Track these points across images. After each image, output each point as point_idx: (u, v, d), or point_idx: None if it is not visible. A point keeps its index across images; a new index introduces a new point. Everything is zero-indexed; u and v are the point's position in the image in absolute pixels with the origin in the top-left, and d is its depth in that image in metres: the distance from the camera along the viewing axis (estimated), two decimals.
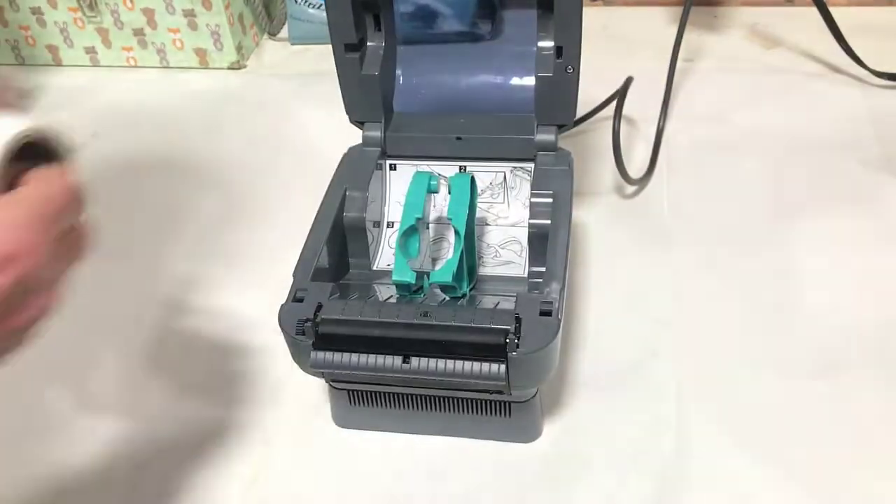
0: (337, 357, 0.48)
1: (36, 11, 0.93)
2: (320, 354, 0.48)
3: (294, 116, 0.87)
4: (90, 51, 0.96)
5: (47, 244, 0.33)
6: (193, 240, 0.73)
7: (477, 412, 0.53)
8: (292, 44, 0.97)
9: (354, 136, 0.62)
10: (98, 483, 0.55)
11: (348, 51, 0.58)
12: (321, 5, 0.93)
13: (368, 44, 0.60)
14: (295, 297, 0.50)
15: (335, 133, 0.82)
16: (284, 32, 0.99)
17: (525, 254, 0.58)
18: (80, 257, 0.38)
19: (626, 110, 0.71)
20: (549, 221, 0.54)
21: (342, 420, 0.56)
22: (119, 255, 0.72)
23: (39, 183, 0.34)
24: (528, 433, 0.54)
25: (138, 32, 0.93)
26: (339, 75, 0.59)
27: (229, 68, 0.94)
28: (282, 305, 0.50)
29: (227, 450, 0.56)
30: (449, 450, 0.54)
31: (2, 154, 0.32)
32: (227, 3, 0.89)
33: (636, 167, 0.73)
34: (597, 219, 0.70)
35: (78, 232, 0.37)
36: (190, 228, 0.74)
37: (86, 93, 0.94)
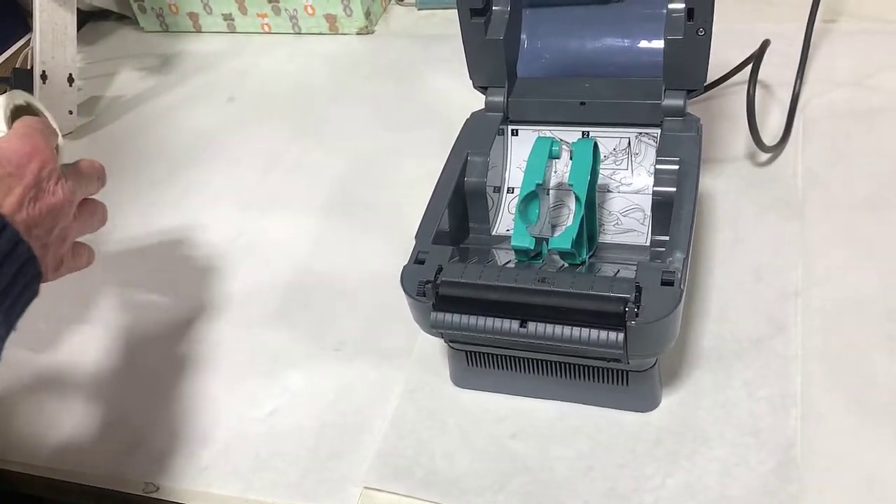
0: (455, 318, 0.49)
1: None
2: (440, 315, 0.49)
3: (420, 80, 0.88)
4: (227, 18, 1.00)
5: (49, 148, 0.47)
6: (322, 200, 0.76)
7: (594, 379, 0.52)
8: (419, 9, 0.98)
9: (479, 99, 0.62)
10: (235, 434, 0.58)
11: (474, 15, 0.58)
12: None
13: (494, 8, 0.59)
14: (416, 259, 0.52)
15: (460, 97, 0.83)
16: None
17: (648, 222, 0.57)
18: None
19: (760, 74, 0.68)
20: (674, 189, 0.53)
21: (459, 380, 0.57)
22: (248, 213, 0.76)
23: (28, 120, 0.49)
24: (645, 402, 0.54)
25: (273, 0, 0.96)
26: (463, 40, 0.59)
27: (358, 33, 0.96)
28: (404, 267, 0.51)
29: (350, 403, 0.58)
30: (564, 415, 0.55)
31: (4, 104, 0.50)
32: None
33: (769, 134, 0.70)
34: (725, 187, 0.68)
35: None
36: (319, 188, 0.77)
37: (223, 58, 0.98)
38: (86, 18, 1.09)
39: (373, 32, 0.97)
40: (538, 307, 0.47)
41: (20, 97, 0.53)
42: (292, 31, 0.98)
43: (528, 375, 0.54)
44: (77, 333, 0.67)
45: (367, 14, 0.95)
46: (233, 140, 0.85)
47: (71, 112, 0.89)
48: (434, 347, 0.60)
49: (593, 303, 0.46)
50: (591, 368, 0.52)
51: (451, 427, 0.55)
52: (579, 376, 0.53)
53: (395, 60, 0.92)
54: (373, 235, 0.71)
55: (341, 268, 0.69)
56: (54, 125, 0.52)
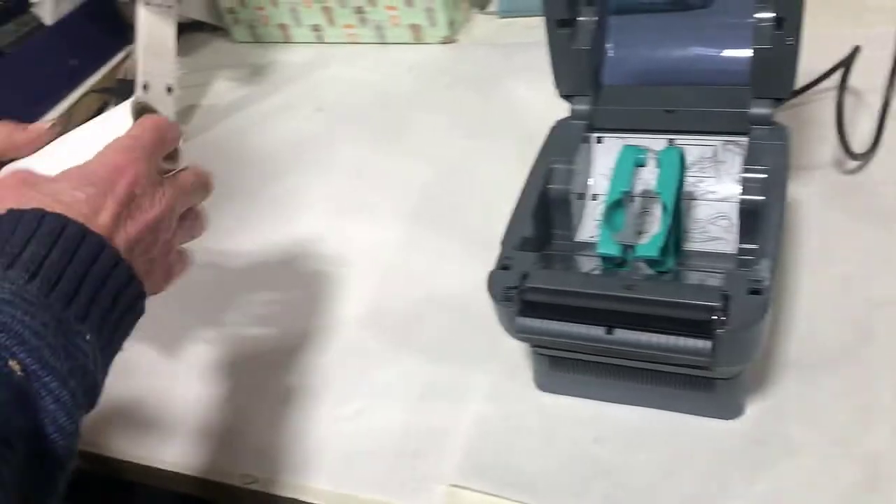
0: (541, 324, 0.50)
1: None
2: (525, 321, 0.50)
3: (501, 88, 0.89)
4: (316, 28, 1.03)
5: (147, 161, 0.46)
6: (408, 207, 0.78)
7: (678, 385, 0.53)
8: (501, 17, 1.00)
9: (561, 107, 0.63)
10: (327, 431, 0.61)
11: (560, 26, 0.59)
12: None
13: (580, 19, 0.60)
14: (502, 265, 0.53)
15: (541, 104, 0.84)
16: (492, 6, 1.02)
17: (734, 230, 0.57)
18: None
19: (849, 79, 0.68)
20: (762, 198, 0.53)
21: (543, 384, 0.58)
22: (338, 219, 0.78)
23: (147, 119, 0.49)
24: (730, 410, 0.54)
25: (359, 10, 0.99)
26: (549, 50, 0.61)
27: (441, 43, 0.98)
28: (490, 272, 0.53)
29: (435, 403, 0.60)
30: (646, 421, 0.55)
31: (129, 113, 0.50)
32: None
33: (858, 141, 0.69)
34: (812, 195, 0.67)
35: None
36: (405, 195, 0.79)
37: (311, 68, 1.01)
38: (181, 30, 1.14)
39: (455, 41, 0.99)
40: (625, 314, 0.48)
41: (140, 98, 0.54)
42: (377, 41, 1.01)
43: (612, 381, 0.55)
44: (175, 335, 0.71)
45: (451, 23, 0.97)
46: (322, 148, 0.88)
47: None
48: (517, 351, 0.61)
49: (681, 311, 0.47)
50: (675, 375, 0.52)
51: (534, 429, 0.57)
52: (664, 382, 0.53)
53: (478, 69, 0.94)
54: (457, 241, 0.73)
55: (427, 272, 0.71)
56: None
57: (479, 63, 0.94)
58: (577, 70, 0.61)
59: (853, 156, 0.67)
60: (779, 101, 0.57)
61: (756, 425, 0.53)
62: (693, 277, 0.53)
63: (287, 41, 1.07)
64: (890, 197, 0.65)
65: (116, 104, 1.00)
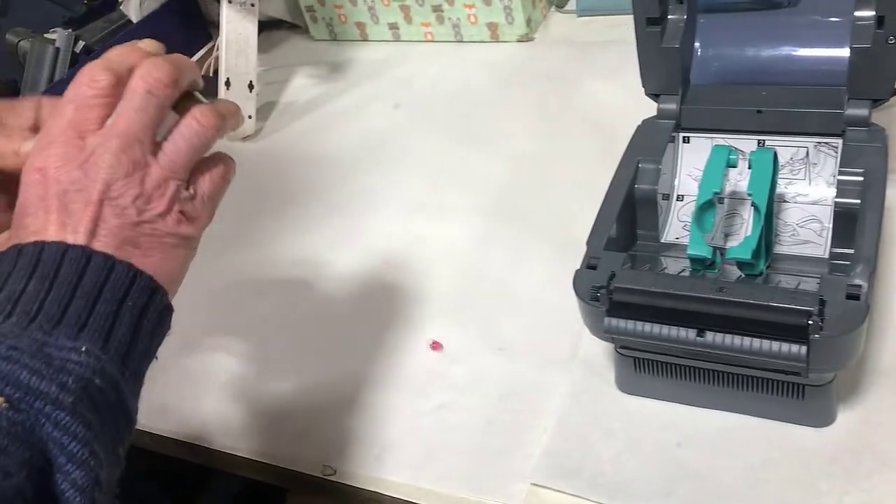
0: (630, 325, 0.49)
1: None
2: (614, 321, 0.50)
3: (580, 87, 0.89)
4: (393, 27, 1.04)
5: (54, 149, 0.39)
6: (487, 204, 0.78)
7: (767, 391, 0.52)
8: (579, 15, 0.99)
9: (640, 104, 0.62)
10: (406, 425, 0.61)
11: (650, 24, 0.58)
12: None
13: (669, 17, 0.60)
14: (588, 265, 0.53)
15: (622, 102, 0.83)
16: (570, 4, 1.01)
17: (826, 234, 0.56)
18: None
19: None
20: (858, 201, 0.51)
21: (626, 385, 0.58)
22: (417, 215, 0.79)
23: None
24: (820, 418, 0.53)
25: (437, 9, 0.99)
26: (638, 49, 0.60)
27: (518, 41, 0.98)
28: (576, 271, 0.52)
29: (514, 401, 0.60)
30: (732, 425, 0.54)
31: None
32: None
33: None
34: None
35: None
36: (483, 193, 0.79)
37: (388, 66, 1.02)
38: (260, 28, 1.16)
39: (532, 40, 0.98)
40: (716, 317, 0.47)
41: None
42: (454, 40, 1.01)
43: (698, 384, 0.54)
44: (253, 325, 0.72)
45: (528, 21, 0.97)
46: (400, 145, 0.89)
47: (250, 117, 0.95)
48: (599, 352, 0.60)
49: (775, 314, 0.46)
50: (764, 380, 0.51)
51: (616, 431, 0.56)
52: (752, 387, 0.52)
53: (555, 67, 0.93)
54: (535, 240, 0.73)
55: (505, 269, 0.71)
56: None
57: (556, 61, 0.94)
58: (665, 69, 0.60)
59: None
60: (877, 101, 0.55)
61: (847, 435, 0.52)
62: (786, 281, 0.52)
63: (364, 39, 1.08)
64: None
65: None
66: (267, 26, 1.16)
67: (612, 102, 0.84)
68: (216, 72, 1.02)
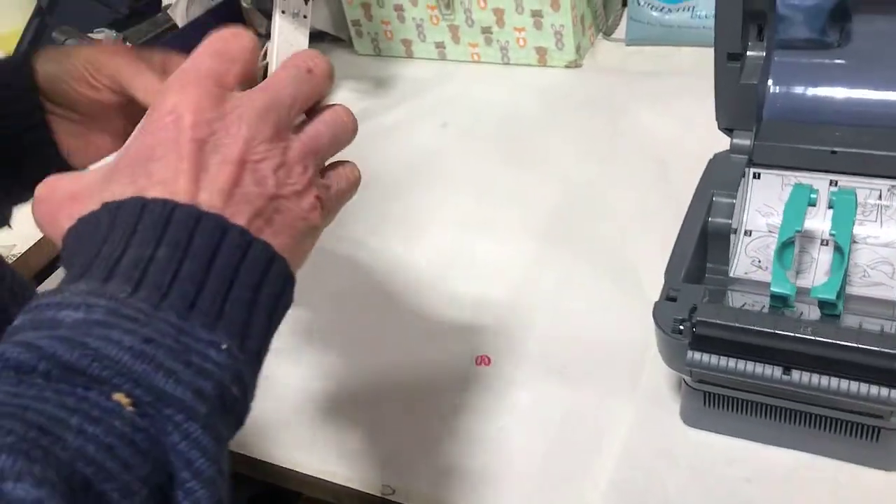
0: (715, 360, 0.49)
1: (398, 8, 1.03)
2: (696, 355, 0.50)
3: (629, 115, 0.89)
4: (440, 46, 1.04)
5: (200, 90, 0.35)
6: (537, 226, 0.78)
7: (841, 431, 0.52)
8: (627, 44, 1.00)
9: (690, 135, 0.63)
10: (465, 446, 0.61)
11: (730, 60, 0.59)
12: (663, 8, 0.94)
13: (748, 53, 0.60)
14: (668, 296, 0.53)
15: (670, 132, 0.84)
16: (618, 33, 1.02)
17: None
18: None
19: None
20: None
21: (692, 419, 0.58)
22: (465, 235, 0.79)
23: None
24: (891, 461, 0.53)
25: (486, 30, 0.99)
26: (716, 83, 0.60)
27: (566, 66, 0.98)
28: (656, 303, 0.52)
29: (575, 429, 0.60)
30: (801, 464, 0.54)
31: None
32: (573, 5, 0.93)
33: None
34: None
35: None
36: (533, 215, 0.79)
37: (434, 84, 1.02)
38: None
39: (580, 66, 0.99)
40: (805, 356, 0.47)
41: None
42: (501, 62, 1.02)
43: (769, 421, 0.54)
44: (306, 342, 0.72)
45: (578, 48, 0.97)
46: (448, 164, 0.89)
47: None
48: (662, 382, 0.60)
49: (866, 357, 0.46)
50: (840, 421, 0.51)
51: (681, 464, 0.56)
52: (825, 427, 0.52)
53: (604, 95, 0.93)
54: (588, 264, 0.73)
55: (558, 292, 0.71)
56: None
57: (605, 89, 0.94)
58: (742, 105, 0.60)
59: None
60: None
61: None
62: (864, 322, 0.52)
63: (409, 56, 1.08)
64: None
65: None
66: (310, 38, 1.16)
67: (662, 132, 0.85)
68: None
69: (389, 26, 1.06)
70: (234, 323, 0.31)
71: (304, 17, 0.94)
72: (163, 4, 1.07)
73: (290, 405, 0.66)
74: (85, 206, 0.33)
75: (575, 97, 0.95)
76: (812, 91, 0.63)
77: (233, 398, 0.30)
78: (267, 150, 0.35)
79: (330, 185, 0.39)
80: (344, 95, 1.05)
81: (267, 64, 0.96)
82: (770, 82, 0.64)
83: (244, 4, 1.16)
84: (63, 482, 0.25)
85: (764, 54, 0.60)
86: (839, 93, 0.62)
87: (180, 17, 1.07)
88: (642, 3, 0.95)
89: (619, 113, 0.90)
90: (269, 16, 0.93)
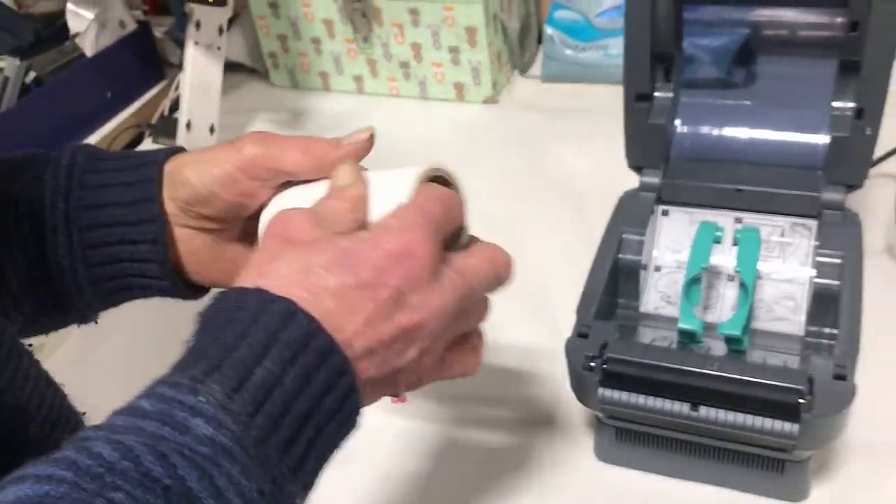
0: (625, 396, 0.50)
1: (315, 41, 1.02)
2: (608, 392, 0.50)
3: (545, 152, 0.90)
4: (357, 79, 1.04)
5: (434, 245, 0.36)
6: None
7: (748, 465, 0.53)
8: (543, 81, 1.01)
9: (606, 171, 0.63)
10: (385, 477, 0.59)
11: (639, 100, 0.60)
12: (578, 47, 0.96)
13: (657, 94, 0.62)
14: (580, 333, 0.53)
15: (585, 169, 0.85)
16: (534, 70, 1.03)
17: (801, 312, 0.58)
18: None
19: (893, 168, 0.69)
20: (837, 282, 0.53)
21: (605, 455, 0.58)
22: None
23: (426, 192, 0.39)
24: (796, 493, 0.54)
25: (404, 65, 1.00)
26: (625, 123, 0.62)
27: (483, 102, 0.99)
28: (568, 339, 0.53)
29: (491, 467, 0.59)
30: (711, 498, 0.55)
31: (416, 178, 0.40)
32: (490, 41, 0.94)
33: None
34: (867, 280, 0.68)
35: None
36: None
37: (352, 118, 1.02)
38: None
39: (497, 102, 1.00)
40: (711, 392, 0.48)
41: (436, 166, 0.43)
42: (419, 97, 1.02)
43: (679, 456, 0.54)
44: None
45: (495, 84, 0.98)
46: None
47: None
48: (578, 419, 0.60)
49: (768, 392, 0.47)
50: (746, 454, 0.52)
51: (597, 501, 0.56)
52: (733, 461, 0.53)
53: (521, 131, 0.94)
54: (506, 302, 0.72)
55: None
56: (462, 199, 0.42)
57: (522, 125, 0.95)
58: (650, 144, 0.62)
59: None
60: (851, 187, 0.58)
61: None
62: (768, 358, 0.53)
63: (326, 89, 1.07)
64: None
65: (156, 141, 1.00)
66: (225, 69, 1.14)
67: (578, 168, 0.86)
68: (172, 111, 1.00)
69: (306, 58, 1.05)
70: (306, 474, 0.33)
71: (218, 48, 0.93)
72: (70, 33, 1.03)
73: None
74: (261, 271, 0.34)
75: (492, 133, 0.95)
76: (718, 130, 0.65)
77: None
78: (431, 334, 0.36)
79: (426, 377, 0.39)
80: (260, 127, 1.03)
81: (179, 95, 0.93)
82: (678, 122, 0.65)
83: (158, 35, 1.14)
84: None
85: (671, 95, 0.62)
86: (743, 132, 0.64)
87: (89, 47, 1.04)
88: (557, 41, 0.97)
89: (535, 149, 0.91)
90: (182, 46, 0.91)
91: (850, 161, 0.57)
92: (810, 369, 0.48)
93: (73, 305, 0.47)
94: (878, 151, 0.72)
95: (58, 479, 0.26)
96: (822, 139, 0.59)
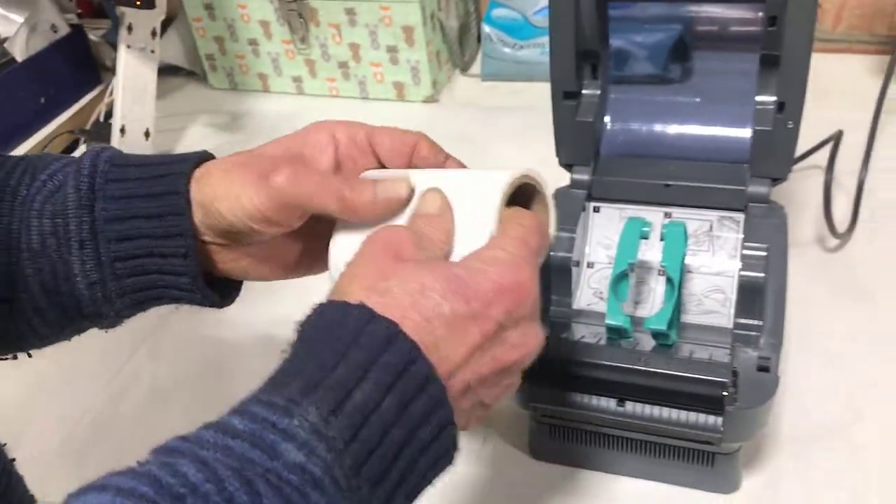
0: (552, 393, 0.50)
1: (252, 42, 1.01)
2: (535, 389, 0.50)
3: (487, 149, 0.90)
4: (297, 80, 1.03)
5: (533, 276, 0.36)
6: None
7: (680, 458, 0.53)
8: (483, 80, 1.01)
9: (546, 169, 0.63)
10: None
11: (566, 98, 0.60)
12: (515, 45, 0.96)
13: (584, 91, 0.62)
14: None
15: (525, 166, 0.85)
16: (475, 69, 1.03)
17: (730, 304, 0.58)
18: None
19: (820, 160, 0.70)
20: (762, 275, 0.54)
21: (539, 452, 0.58)
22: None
23: (525, 221, 0.39)
24: (727, 484, 0.54)
25: (343, 65, 0.99)
26: (554, 121, 0.62)
27: (423, 101, 0.99)
28: None
29: None
30: (644, 493, 0.55)
31: (504, 189, 0.39)
32: (428, 41, 0.94)
33: (835, 220, 0.72)
34: (795, 270, 0.68)
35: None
36: None
37: (291, 119, 1.00)
38: None
39: (437, 101, 1.00)
40: (637, 387, 0.48)
41: (526, 173, 0.42)
42: (359, 97, 1.01)
43: (612, 451, 0.55)
44: None
45: (434, 83, 0.98)
46: None
47: None
48: (513, 416, 0.60)
49: (693, 386, 0.47)
50: (676, 448, 0.53)
51: (529, 498, 0.56)
52: (664, 455, 0.53)
53: (461, 130, 0.94)
54: None
55: None
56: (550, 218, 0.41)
57: (462, 124, 0.95)
58: (579, 141, 0.62)
59: (835, 234, 0.69)
60: (776, 180, 0.59)
61: (751, 501, 0.54)
62: (696, 352, 0.54)
63: (265, 90, 1.06)
64: (869, 276, 0.68)
65: (91, 146, 0.98)
66: (162, 72, 1.13)
67: (518, 166, 0.86)
68: (108, 116, 0.98)
69: (244, 60, 1.04)
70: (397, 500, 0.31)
71: (152, 51, 0.91)
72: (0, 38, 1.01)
73: None
74: (370, 286, 0.33)
75: (432, 132, 0.93)
76: (648, 127, 0.65)
77: None
78: (520, 371, 0.36)
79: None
80: (198, 131, 1.02)
81: (112, 101, 0.92)
82: (607, 119, 0.65)
83: (93, 38, 1.11)
84: None
85: (599, 92, 0.62)
86: (673, 128, 0.65)
87: (19, 52, 1.02)
88: (495, 39, 0.97)
89: (475, 147, 0.91)
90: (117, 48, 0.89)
91: (773, 154, 0.57)
92: (735, 362, 0.48)
93: (101, 314, 0.45)
94: (809, 143, 0.75)
95: (138, 495, 0.25)
96: (748, 133, 0.60)
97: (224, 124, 1.02)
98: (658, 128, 0.65)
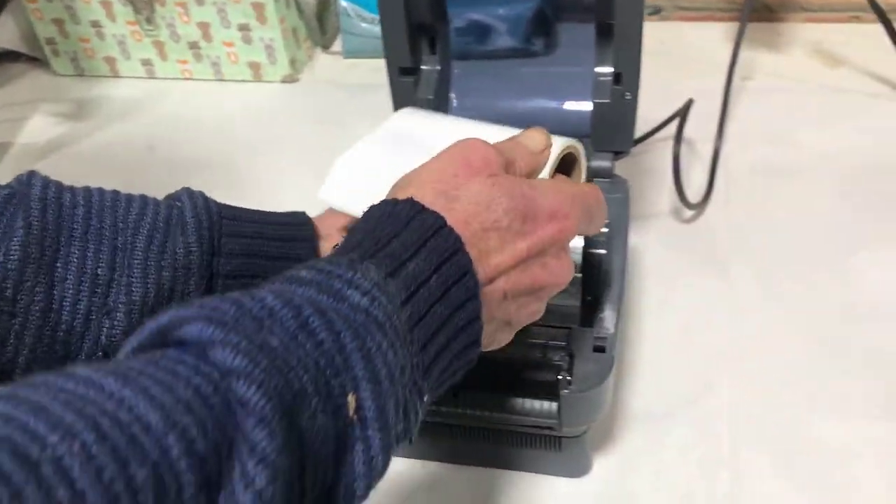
0: None
1: (95, 24, 0.95)
2: None
3: (346, 129, 0.87)
4: (146, 63, 0.97)
5: (579, 221, 0.38)
6: None
7: (526, 445, 0.51)
8: (345, 57, 0.97)
9: None
10: None
11: (403, 74, 0.57)
12: (374, 20, 0.93)
13: (423, 67, 0.59)
14: None
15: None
16: (337, 46, 1.00)
17: (577, 283, 0.57)
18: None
19: (683, 130, 0.70)
20: (604, 251, 0.52)
21: None
22: None
23: (594, 190, 0.42)
24: (578, 468, 0.53)
25: (193, 46, 0.93)
26: (393, 98, 0.59)
27: (282, 81, 0.95)
28: None
29: None
30: (493, 482, 0.53)
31: (558, 153, 0.42)
32: (281, 18, 0.89)
33: (693, 190, 0.71)
34: (651, 243, 0.68)
35: None
36: None
37: (142, 104, 0.95)
38: None
39: (298, 80, 0.96)
40: (469, 374, 0.46)
41: (569, 144, 0.44)
42: (215, 78, 0.96)
43: (458, 441, 0.53)
44: None
45: (293, 62, 0.94)
46: (153, 192, 0.82)
47: None
48: None
49: (526, 371, 0.45)
50: (522, 434, 0.51)
51: (381, 492, 0.53)
52: (510, 442, 0.52)
53: (321, 109, 0.91)
54: None
55: None
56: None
57: (323, 103, 0.91)
58: None
59: (689, 205, 0.69)
60: (618, 154, 0.57)
61: (604, 482, 0.53)
62: (539, 333, 0.52)
63: (115, 75, 1.00)
64: (724, 245, 0.68)
65: None
66: (1, 59, 1.05)
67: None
68: None
69: (89, 44, 0.97)
70: (433, 379, 0.33)
71: None
72: None
73: None
74: (441, 191, 0.35)
75: (292, 112, 0.91)
76: (493, 102, 0.63)
77: (407, 445, 0.33)
78: (548, 297, 0.39)
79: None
80: (41, 120, 0.95)
81: None
82: (452, 95, 0.63)
83: None
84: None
85: (439, 68, 0.59)
86: (519, 103, 0.63)
87: None
88: (352, 14, 0.93)
89: (336, 127, 0.88)
90: None
91: (613, 127, 0.56)
92: (572, 343, 0.46)
93: None
94: (664, 114, 0.74)
95: (222, 310, 0.26)
96: (589, 106, 0.58)
97: (69, 113, 0.95)
98: (504, 103, 0.63)
